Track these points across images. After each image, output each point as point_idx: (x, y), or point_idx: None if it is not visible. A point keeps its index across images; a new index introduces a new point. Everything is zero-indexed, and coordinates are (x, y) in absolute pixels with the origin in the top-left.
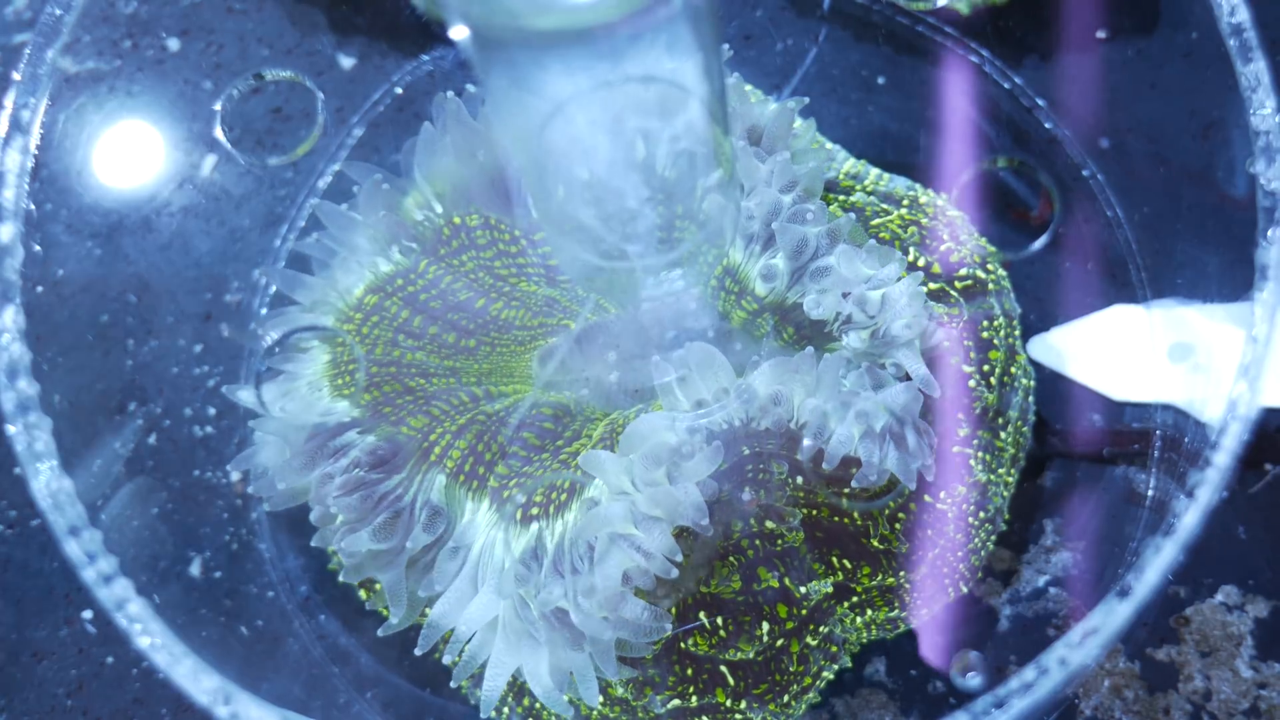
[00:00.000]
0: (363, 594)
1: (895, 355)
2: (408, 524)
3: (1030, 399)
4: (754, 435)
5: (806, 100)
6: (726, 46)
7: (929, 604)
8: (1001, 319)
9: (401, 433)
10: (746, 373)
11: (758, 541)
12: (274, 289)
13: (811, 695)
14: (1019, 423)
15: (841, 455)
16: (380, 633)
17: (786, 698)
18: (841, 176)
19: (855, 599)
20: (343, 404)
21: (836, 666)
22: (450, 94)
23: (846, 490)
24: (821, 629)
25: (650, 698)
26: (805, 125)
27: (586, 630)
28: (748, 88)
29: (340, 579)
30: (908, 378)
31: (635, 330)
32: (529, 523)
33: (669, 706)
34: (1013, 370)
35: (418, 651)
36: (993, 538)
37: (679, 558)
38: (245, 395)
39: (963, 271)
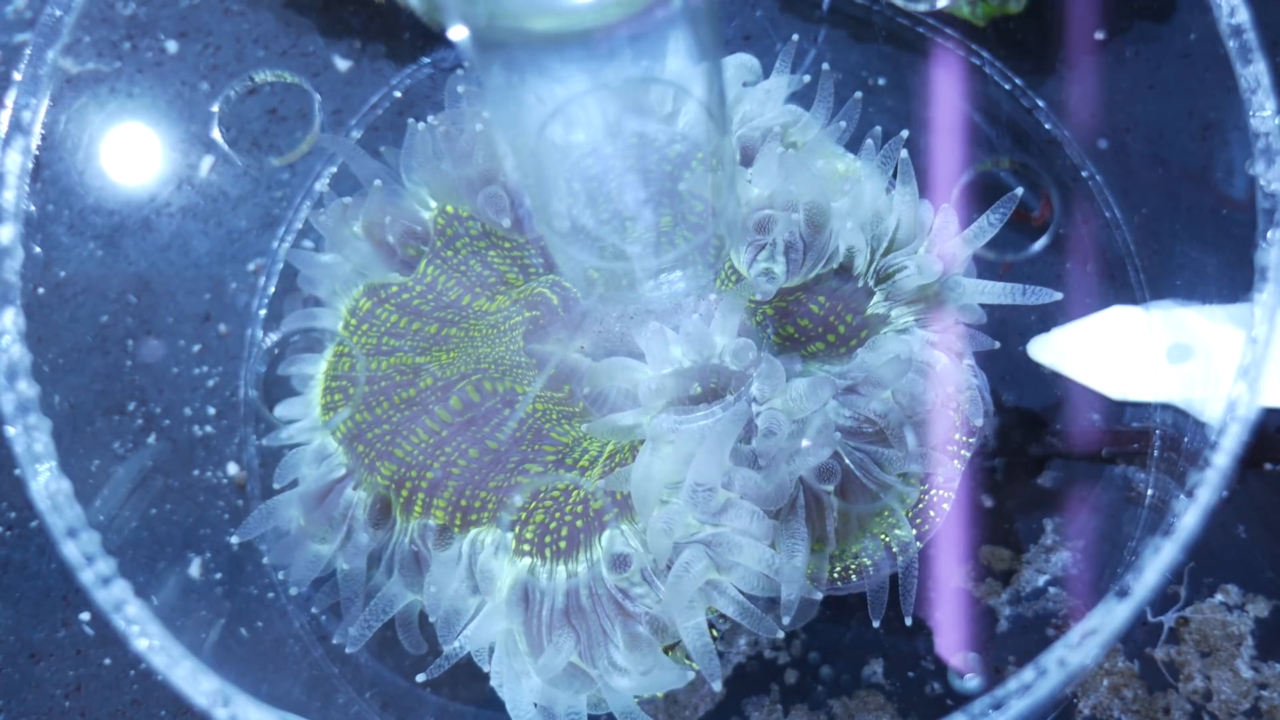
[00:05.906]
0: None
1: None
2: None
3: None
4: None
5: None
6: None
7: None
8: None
9: (379, 483)
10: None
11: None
12: (272, 290)
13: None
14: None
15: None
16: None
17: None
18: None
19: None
20: (330, 441)
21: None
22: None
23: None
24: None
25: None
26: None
27: (613, 705)
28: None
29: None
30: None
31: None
32: (522, 556)
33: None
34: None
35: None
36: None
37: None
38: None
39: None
